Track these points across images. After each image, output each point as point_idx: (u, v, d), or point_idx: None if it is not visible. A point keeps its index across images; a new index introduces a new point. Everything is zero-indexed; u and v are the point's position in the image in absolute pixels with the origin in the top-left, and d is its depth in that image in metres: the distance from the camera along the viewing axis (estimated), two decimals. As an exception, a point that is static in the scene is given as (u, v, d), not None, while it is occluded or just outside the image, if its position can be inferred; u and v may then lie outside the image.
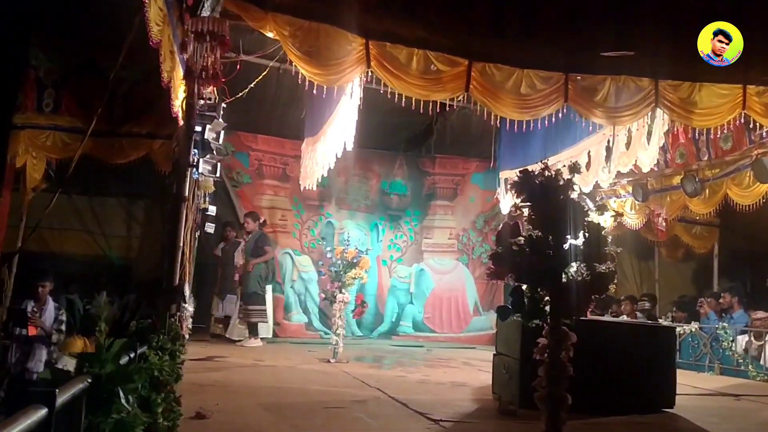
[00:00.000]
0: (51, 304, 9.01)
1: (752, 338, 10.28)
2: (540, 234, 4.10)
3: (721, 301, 11.38)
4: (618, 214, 13.18)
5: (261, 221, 12.12)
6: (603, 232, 4.28)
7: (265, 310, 11.55)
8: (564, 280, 4.10)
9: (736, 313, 11.09)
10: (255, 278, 11.42)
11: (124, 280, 11.60)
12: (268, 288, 11.82)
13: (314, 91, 8.64)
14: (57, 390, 1.76)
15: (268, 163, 13.98)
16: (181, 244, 6.62)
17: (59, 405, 1.77)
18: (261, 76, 9.69)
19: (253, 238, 11.74)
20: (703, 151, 11.11)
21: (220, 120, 7.33)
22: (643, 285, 14.40)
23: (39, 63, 9.79)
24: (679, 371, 6.96)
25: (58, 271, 11.28)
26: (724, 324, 10.62)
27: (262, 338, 11.36)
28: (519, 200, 4.32)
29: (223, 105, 7.89)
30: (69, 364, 2.48)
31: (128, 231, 12.80)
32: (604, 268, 4.17)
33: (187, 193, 6.74)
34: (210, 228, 9.49)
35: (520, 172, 4.38)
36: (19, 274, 9.57)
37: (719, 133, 9.93)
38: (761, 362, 9.98)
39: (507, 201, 13.85)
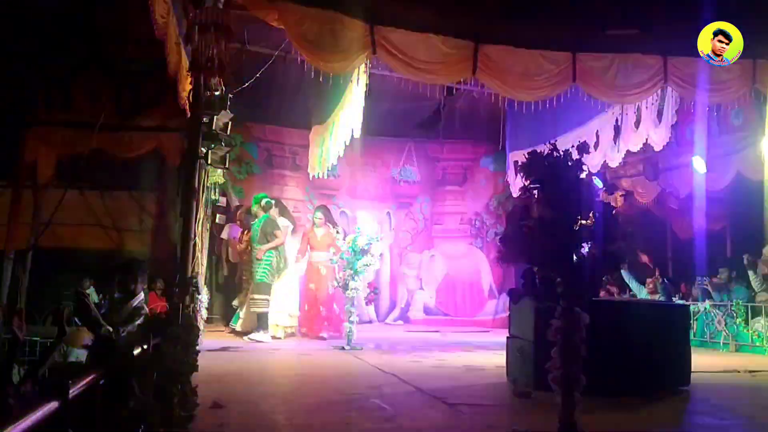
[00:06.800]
0: None
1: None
2: (550, 215, 4.08)
3: (719, 277, 11.21)
4: (629, 193, 13.11)
5: (263, 204, 11.14)
6: (614, 211, 4.26)
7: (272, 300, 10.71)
8: (575, 260, 4.08)
9: (735, 288, 10.93)
10: (264, 267, 10.75)
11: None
12: (282, 277, 11.01)
13: (321, 79, 8.61)
14: (69, 382, 1.77)
15: (277, 153, 13.94)
16: (194, 236, 6.63)
17: (72, 396, 1.79)
18: (266, 66, 9.66)
19: (257, 224, 10.99)
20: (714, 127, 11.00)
21: (228, 111, 7.34)
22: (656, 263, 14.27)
23: (47, 59, 9.82)
24: (693, 349, 6.92)
25: (72, 266, 11.36)
26: (738, 300, 10.51)
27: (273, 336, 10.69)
28: (528, 182, 4.29)
29: (230, 96, 7.88)
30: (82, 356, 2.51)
31: (140, 224, 12.82)
32: (615, 247, 4.16)
33: (197, 185, 6.74)
34: (221, 219, 9.48)
35: (528, 153, 4.35)
36: (34, 270, 9.65)
37: (730, 108, 9.86)
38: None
39: (517, 183, 13.79)
